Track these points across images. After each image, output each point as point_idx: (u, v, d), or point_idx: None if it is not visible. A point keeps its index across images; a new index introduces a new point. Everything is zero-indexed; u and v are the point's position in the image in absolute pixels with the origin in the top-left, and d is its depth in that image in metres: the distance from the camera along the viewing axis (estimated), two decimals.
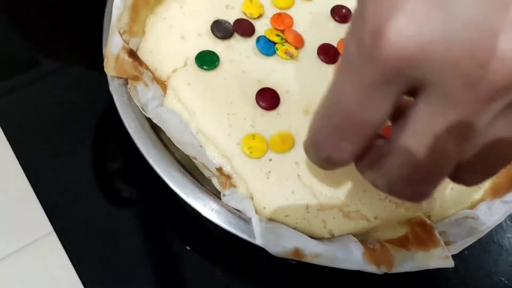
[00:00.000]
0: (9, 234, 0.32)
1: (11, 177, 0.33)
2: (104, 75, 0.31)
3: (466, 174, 0.19)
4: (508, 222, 0.35)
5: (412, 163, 0.17)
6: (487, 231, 0.30)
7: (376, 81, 0.16)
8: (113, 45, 0.29)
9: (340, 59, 0.18)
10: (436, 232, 0.29)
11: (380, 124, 0.18)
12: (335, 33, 0.35)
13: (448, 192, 0.32)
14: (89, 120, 0.36)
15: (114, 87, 0.30)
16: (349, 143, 0.19)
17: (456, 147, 0.17)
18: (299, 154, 0.30)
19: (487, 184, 0.32)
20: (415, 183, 0.18)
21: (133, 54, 0.30)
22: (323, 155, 0.20)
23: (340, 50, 0.34)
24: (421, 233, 0.29)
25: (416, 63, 0.15)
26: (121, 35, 0.30)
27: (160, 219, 0.33)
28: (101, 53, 0.31)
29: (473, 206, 0.31)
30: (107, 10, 0.33)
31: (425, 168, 0.18)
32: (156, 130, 0.31)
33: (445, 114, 0.16)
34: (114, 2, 0.30)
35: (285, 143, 0.31)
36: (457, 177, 0.19)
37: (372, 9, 0.15)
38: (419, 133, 0.17)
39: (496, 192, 0.32)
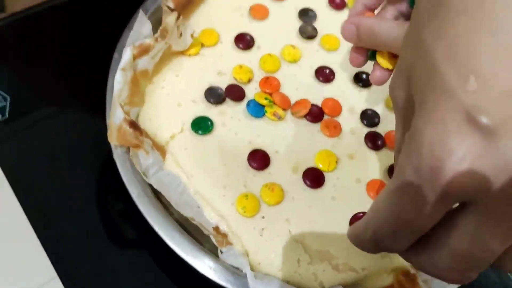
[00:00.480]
0: (12, 279, 0.34)
1: (14, 222, 0.35)
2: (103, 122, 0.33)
3: (509, 262, 0.22)
4: None
5: (461, 258, 0.20)
6: None
7: (434, 202, 0.19)
8: (116, 118, 0.32)
9: (394, 175, 0.20)
10: (420, 281, 0.31)
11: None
12: (320, 93, 0.38)
13: None
14: (91, 165, 0.38)
15: (117, 155, 0.33)
16: (406, 240, 0.21)
17: (501, 246, 0.20)
18: (289, 210, 0.33)
19: None
20: (462, 272, 0.21)
21: (134, 125, 0.33)
22: (379, 249, 0.23)
23: (325, 109, 0.37)
24: (405, 282, 0.31)
25: (471, 191, 0.18)
26: (122, 107, 0.33)
27: (161, 264, 0.35)
28: (102, 100, 0.34)
29: None
30: (109, 81, 0.36)
31: (472, 262, 0.20)
32: (156, 192, 0.33)
33: (492, 224, 0.19)
34: (115, 77, 0.33)
35: (274, 191, 0.33)
36: (499, 264, 0.22)
37: (428, 146, 0.18)
38: (469, 236, 0.20)
39: None
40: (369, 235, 0.23)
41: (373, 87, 0.39)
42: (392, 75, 0.23)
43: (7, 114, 0.41)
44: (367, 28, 0.30)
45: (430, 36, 0.19)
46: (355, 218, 0.33)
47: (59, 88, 0.43)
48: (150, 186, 0.33)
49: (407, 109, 0.21)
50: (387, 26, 0.29)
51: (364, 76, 0.39)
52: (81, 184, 0.38)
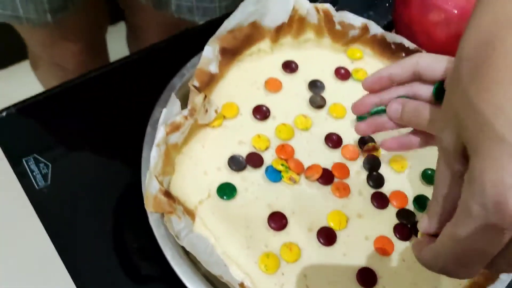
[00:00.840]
0: None
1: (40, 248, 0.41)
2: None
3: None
4: None
5: None
6: None
7: (500, 233, 0.23)
8: (152, 188, 0.37)
9: (459, 214, 0.25)
10: None
11: None
12: (330, 158, 0.43)
13: None
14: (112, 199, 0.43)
15: (153, 221, 0.38)
16: (479, 266, 0.26)
17: None
18: (306, 267, 0.37)
19: (466, 283, 0.39)
20: None
21: (167, 194, 0.37)
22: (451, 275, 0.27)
23: (335, 173, 0.42)
24: None
25: None
26: (157, 178, 0.37)
27: None
28: (135, 169, 0.40)
29: None
30: (144, 151, 0.41)
31: None
32: (186, 251, 0.37)
33: None
34: (152, 152, 0.38)
35: (292, 250, 0.37)
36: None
37: (491, 184, 0.23)
38: None
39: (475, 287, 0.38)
40: (439, 266, 0.27)
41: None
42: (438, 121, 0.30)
43: (49, 180, 0.46)
44: (413, 108, 0.35)
45: (476, 94, 0.25)
46: (362, 272, 0.37)
47: (96, 156, 0.48)
48: (182, 247, 0.37)
49: (456, 152, 0.26)
50: (430, 109, 0.34)
51: (366, 138, 0.44)
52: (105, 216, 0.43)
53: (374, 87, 0.39)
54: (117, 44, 1.13)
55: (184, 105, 0.42)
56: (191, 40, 0.56)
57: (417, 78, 0.37)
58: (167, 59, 0.54)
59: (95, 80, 0.52)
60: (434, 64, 0.35)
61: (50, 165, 0.46)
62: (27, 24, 0.63)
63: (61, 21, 0.66)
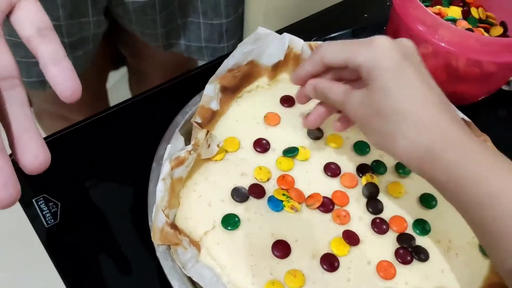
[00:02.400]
0: None
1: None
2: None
3: None
4: None
5: None
6: None
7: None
8: (158, 221, 0.38)
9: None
10: None
11: None
12: (329, 186, 0.44)
13: None
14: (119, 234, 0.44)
15: (160, 253, 0.39)
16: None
17: None
18: None
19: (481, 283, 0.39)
20: None
21: (174, 226, 0.38)
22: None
23: (335, 201, 0.43)
24: None
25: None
26: (163, 212, 0.39)
27: None
28: (142, 203, 0.41)
29: None
30: (150, 186, 0.43)
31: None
32: (194, 282, 0.38)
33: None
34: (158, 186, 0.39)
35: (296, 277, 0.38)
36: None
37: None
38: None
39: None
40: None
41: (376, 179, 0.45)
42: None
43: (58, 218, 0.47)
44: (321, 89, 0.41)
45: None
46: None
47: (103, 192, 0.49)
48: (189, 278, 0.38)
49: None
50: (335, 92, 0.40)
51: (364, 166, 0.46)
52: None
53: (302, 83, 0.44)
54: (116, 89, 1.17)
55: (187, 140, 0.44)
56: (192, 81, 0.59)
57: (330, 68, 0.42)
58: (169, 99, 0.56)
59: (100, 122, 0.54)
60: (336, 55, 0.39)
61: (59, 203, 0.48)
62: (49, 87, 0.66)
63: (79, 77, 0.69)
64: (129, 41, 0.81)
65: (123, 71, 1.36)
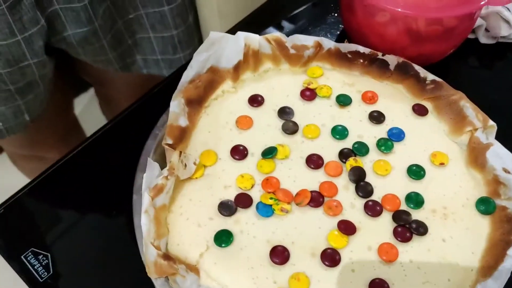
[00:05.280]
0: None
1: None
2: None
3: None
4: None
5: None
6: None
7: None
8: (150, 255, 0.37)
9: None
10: None
11: None
12: (315, 179, 0.43)
13: (446, 283, 0.38)
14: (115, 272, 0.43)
15: (159, 286, 0.38)
16: None
17: None
18: None
19: (477, 266, 0.39)
20: None
21: (166, 257, 0.37)
22: None
23: (324, 193, 0.42)
24: None
25: None
26: (153, 244, 0.38)
27: None
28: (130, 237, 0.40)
29: None
30: (135, 219, 0.42)
31: None
32: None
33: None
34: (142, 220, 0.38)
35: (300, 280, 0.38)
36: None
37: None
38: None
39: (486, 271, 0.38)
40: None
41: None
42: None
43: (51, 270, 0.46)
44: None
45: None
46: (373, 284, 0.37)
47: (91, 233, 0.48)
48: None
49: None
50: None
51: (346, 150, 0.45)
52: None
53: None
54: (87, 114, 1.15)
55: (163, 163, 0.43)
56: (158, 98, 0.57)
57: None
58: (139, 121, 0.55)
59: (73, 160, 0.52)
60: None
61: (48, 254, 0.46)
62: (7, 134, 0.64)
63: (38, 118, 0.67)
64: (88, 69, 0.79)
65: (91, 92, 1.34)
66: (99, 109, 1.01)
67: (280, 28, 0.63)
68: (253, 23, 0.53)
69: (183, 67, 0.49)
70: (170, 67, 0.72)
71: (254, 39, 0.49)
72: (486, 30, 0.61)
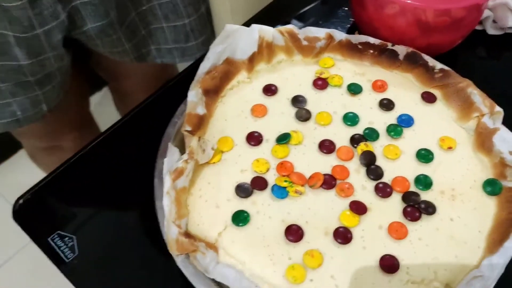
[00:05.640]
0: None
1: None
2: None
3: None
4: None
5: None
6: (493, 284, 0.37)
7: None
8: (172, 233, 0.39)
9: None
10: None
11: None
12: (328, 163, 0.45)
13: (454, 259, 0.40)
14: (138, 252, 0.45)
15: (180, 262, 0.40)
16: None
17: None
18: (331, 268, 0.39)
19: (484, 244, 0.40)
20: None
21: (188, 235, 0.40)
22: None
23: (336, 176, 0.44)
24: None
25: None
26: (174, 223, 0.40)
27: None
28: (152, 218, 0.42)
29: (478, 265, 0.39)
30: (157, 203, 0.44)
31: None
32: (219, 283, 0.40)
33: None
34: (164, 201, 0.40)
35: (314, 257, 0.39)
36: None
37: None
38: None
39: (492, 248, 0.40)
40: None
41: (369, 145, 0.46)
42: None
43: (77, 251, 0.48)
44: None
45: None
46: (384, 259, 0.39)
47: (114, 216, 0.50)
48: (213, 280, 0.40)
49: None
50: None
51: (357, 136, 0.47)
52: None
53: None
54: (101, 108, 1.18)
55: (182, 150, 0.45)
56: (174, 91, 0.59)
57: None
58: (156, 112, 0.57)
59: (94, 150, 0.55)
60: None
61: (74, 237, 0.49)
62: (25, 123, 0.67)
63: (55, 109, 0.70)
64: (104, 63, 0.82)
65: (104, 91, 1.37)
66: (113, 106, 1.04)
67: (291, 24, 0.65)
68: (265, 19, 0.55)
69: (197, 61, 0.51)
70: (183, 55, 0.75)
71: (268, 31, 0.51)
72: (494, 21, 0.62)
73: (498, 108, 0.47)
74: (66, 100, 0.73)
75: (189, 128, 0.45)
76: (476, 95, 0.48)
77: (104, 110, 1.10)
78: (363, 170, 0.45)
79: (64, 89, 0.71)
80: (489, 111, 0.47)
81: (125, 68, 0.82)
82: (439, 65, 0.50)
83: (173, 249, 0.40)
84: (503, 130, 0.45)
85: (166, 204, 0.40)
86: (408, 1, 0.51)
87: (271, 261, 0.40)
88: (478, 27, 0.63)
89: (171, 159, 0.43)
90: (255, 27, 0.51)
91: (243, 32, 0.51)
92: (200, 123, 0.46)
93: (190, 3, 0.70)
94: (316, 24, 0.64)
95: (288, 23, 0.64)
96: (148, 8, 0.69)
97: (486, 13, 0.61)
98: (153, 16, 0.70)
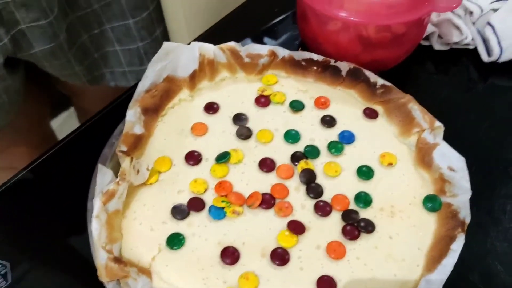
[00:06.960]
0: None
1: None
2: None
3: None
4: None
5: None
6: None
7: None
8: (100, 258, 0.38)
9: None
10: None
11: None
12: (267, 182, 0.44)
13: (392, 278, 0.39)
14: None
15: None
16: None
17: None
18: None
19: (423, 261, 0.40)
20: None
21: (117, 260, 0.38)
22: None
23: (275, 195, 0.43)
24: None
25: None
26: (104, 248, 0.38)
27: None
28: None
29: (416, 284, 0.38)
30: (88, 227, 0.42)
31: None
32: None
33: None
34: (92, 225, 0.39)
35: (249, 279, 0.38)
36: None
37: None
38: None
39: (431, 266, 0.39)
40: None
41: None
42: None
43: (10, 278, 0.46)
44: None
45: None
46: (321, 281, 0.38)
47: (48, 241, 0.48)
48: None
49: None
50: None
51: (297, 153, 0.46)
52: None
53: None
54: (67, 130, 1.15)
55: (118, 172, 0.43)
56: (118, 109, 0.58)
57: None
58: (100, 130, 0.55)
59: (34, 172, 0.53)
60: None
61: (8, 263, 0.47)
62: None
63: (11, 124, 0.67)
64: (61, 81, 0.80)
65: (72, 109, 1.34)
66: (77, 122, 1.01)
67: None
68: (221, 34, 0.55)
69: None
70: (137, 78, 0.74)
71: (208, 49, 0.51)
72: (440, 37, 0.63)
73: (438, 123, 0.47)
74: (22, 118, 0.71)
75: (124, 149, 0.44)
76: (417, 110, 0.48)
77: (70, 130, 1.08)
78: (303, 188, 0.44)
79: (14, 108, 0.68)
80: (429, 126, 0.46)
81: (82, 88, 0.80)
82: (380, 81, 0.50)
83: (102, 276, 0.38)
84: (443, 145, 0.45)
85: (95, 228, 0.39)
86: (350, 18, 0.51)
87: (205, 285, 0.38)
88: (425, 43, 0.63)
89: (102, 181, 0.41)
90: (195, 44, 0.50)
91: (183, 49, 0.50)
92: (136, 143, 0.45)
93: (144, 27, 0.69)
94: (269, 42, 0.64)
95: (242, 40, 0.64)
96: (100, 32, 0.68)
97: (431, 28, 0.61)
98: (106, 39, 0.69)
